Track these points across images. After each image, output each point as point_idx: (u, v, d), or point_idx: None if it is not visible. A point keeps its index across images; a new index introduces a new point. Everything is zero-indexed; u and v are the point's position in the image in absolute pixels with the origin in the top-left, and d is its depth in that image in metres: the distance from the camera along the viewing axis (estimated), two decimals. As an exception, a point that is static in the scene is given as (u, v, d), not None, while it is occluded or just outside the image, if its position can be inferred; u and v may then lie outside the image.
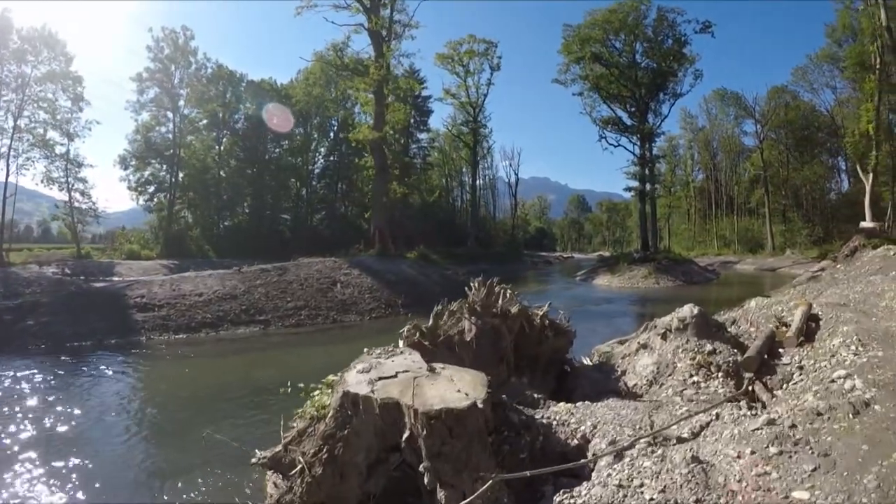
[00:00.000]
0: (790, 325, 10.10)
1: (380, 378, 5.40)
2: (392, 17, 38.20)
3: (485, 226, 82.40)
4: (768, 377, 7.94)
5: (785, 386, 7.58)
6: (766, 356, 8.49)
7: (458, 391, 5.10)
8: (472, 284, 9.61)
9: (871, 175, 32.85)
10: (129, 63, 65.18)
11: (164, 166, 55.36)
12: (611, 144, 53.72)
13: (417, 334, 8.08)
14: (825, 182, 74.99)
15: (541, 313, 9.65)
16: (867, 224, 23.06)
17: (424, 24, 39.37)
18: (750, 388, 7.49)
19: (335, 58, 36.86)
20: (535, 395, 7.62)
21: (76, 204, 45.96)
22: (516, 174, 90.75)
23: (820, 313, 10.78)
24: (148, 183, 55.61)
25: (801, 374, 7.67)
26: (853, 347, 7.45)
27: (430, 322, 8.55)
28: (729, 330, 12.89)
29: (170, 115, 54.75)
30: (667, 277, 41.27)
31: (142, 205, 57.03)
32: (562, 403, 7.11)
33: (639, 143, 52.67)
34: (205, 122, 59.91)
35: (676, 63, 52.44)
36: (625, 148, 54.03)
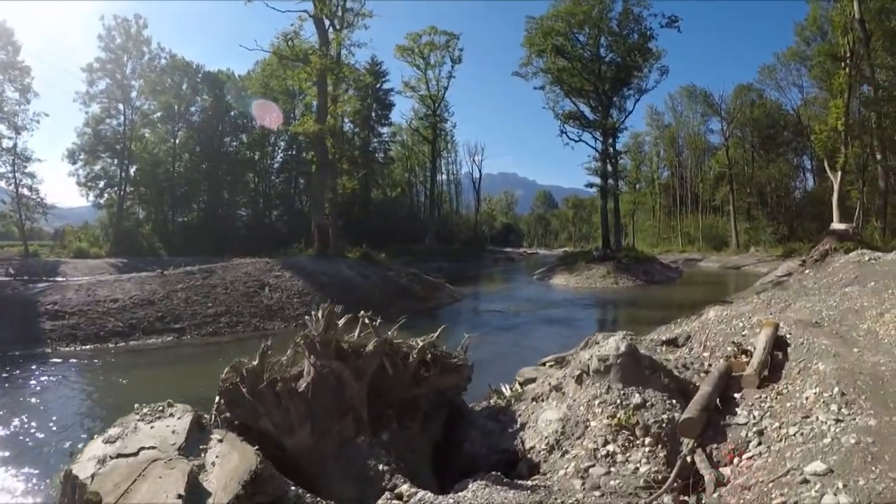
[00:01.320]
0: (752, 354, 8.23)
1: (119, 454, 4.41)
2: (344, 4, 35.52)
3: (447, 222, 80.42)
4: (715, 445, 5.80)
5: (738, 461, 5.45)
6: (717, 402, 6.50)
7: (179, 497, 3.79)
8: (312, 314, 7.10)
9: (839, 173, 30.79)
10: (92, 52, 61.91)
11: (115, 161, 52.35)
12: (571, 139, 51.92)
13: (238, 378, 6.25)
14: (790, 180, 74.10)
15: (419, 346, 7.62)
16: (838, 225, 20.67)
17: (380, 15, 37.04)
18: (689, 459, 5.40)
19: (286, 48, 34.10)
20: (382, 467, 5.78)
21: (24, 200, 42.88)
22: (480, 169, 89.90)
23: (788, 336, 9.14)
24: (98, 178, 52.51)
25: (759, 445, 5.55)
26: (833, 407, 5.39)
27: (256, 361, 6.44)
28: (680, 347, 11.50)
29: (121, 107, 51.67)
30: (626, 277, 39.19)
31: (91, 201, 53.49)
32: (405, 485, 5.41)
33: (601, 139, 50.74)
34: (159, 114, 57.02)
35: (641, 58, 50.51)
36: (586, 143, 52.25)
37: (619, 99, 52.60)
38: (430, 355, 7.55)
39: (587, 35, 49.49)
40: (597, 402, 6.61)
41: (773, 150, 72.42)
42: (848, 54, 30.11)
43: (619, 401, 6.46)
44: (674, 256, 66.79)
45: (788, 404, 5.96)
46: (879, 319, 9.53)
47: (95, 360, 16.91)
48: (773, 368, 7.53)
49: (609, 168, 51.04)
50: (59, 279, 24.97)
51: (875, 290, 12.04)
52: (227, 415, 6.14)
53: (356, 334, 7.48)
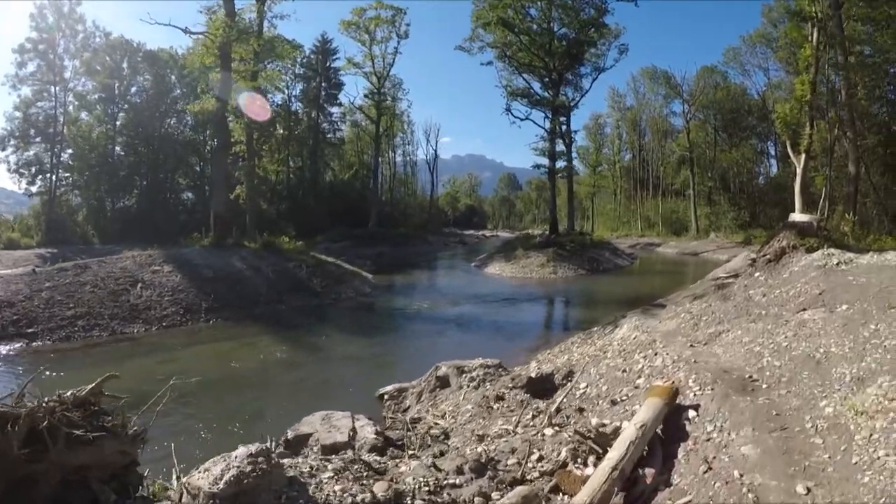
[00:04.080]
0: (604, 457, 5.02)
1: None
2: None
3: (400, 204, 76.71)
4: None
5: None
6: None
7: None
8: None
9: (802, 156, 26.52)
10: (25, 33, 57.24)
11: (47, 145, 49.13)
12: (517, 118, 47.99)
13: None
14: (754, 166, 71.40)
15: (26, 410, 4.25)
16: (799, 217, 15.84)
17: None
18: None
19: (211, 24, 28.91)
20: None
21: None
22: (435, 150, 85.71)
23: (693, 414, 6.00)
24: (29, 164, 49.18)
25: None
26: None
27: None
28: (548, 396, 8.96)
29: (53, 89, 48.42)
30: (568, 266, 35.26)
31: (23, 189, 50.04)
32: None
33: (550, 117, 46.77)
34: (97, 96, 53.16)
35: (597, 33, 46.97)
36: (533, 122, 49.35)
37: (574, 77, 49.45)
38: (47, 421, 4.34)
39: (538, 8, 45.34)
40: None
41: (737, 135, 70.15)
42: (817, 17, 25.73)
43: None
44: (633, 241, 64.72)
45: None
46: (855, 395, 5.70)
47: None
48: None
49: (563, 148, 47.76)
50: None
51: (848, 321, 7.46)
52: None
53: None
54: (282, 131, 58.50)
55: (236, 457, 4.53)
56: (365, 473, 5.69)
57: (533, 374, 10.22)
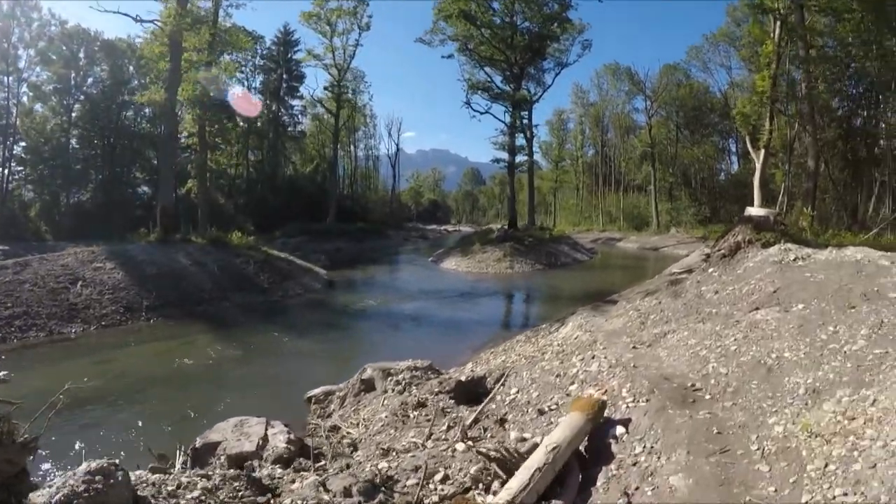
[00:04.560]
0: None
1: None
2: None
3: (359, 199, 75.33)
4: None
5: None
6: None
7: None
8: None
9: (762, 152, 26.13)
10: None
11: (0, 138, 47.07)
12: (477, 111, 47.50)
13: None
14: (715, 163, 71.69)
15: None
16: (756, 211, 15.09)
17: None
18: None
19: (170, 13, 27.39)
20: None
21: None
22: (397, 144, 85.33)
23: (622, 432, 5.28)
24: None
25: None
26: None
27: None
28: (478, 405, 7.54)
29: (6, 79, 46.55)
30: (525, 261, 34.57)
31: None
32: None
33: (510, 111, 46.21)
34: (52, 87, 50.94)
35: (560, 28, 46.56)
36: (494, 116, 49.18)
37: (537, 71, 49.58)
38: None
39: (501, 2, 44.91)
40: None
41: (699, 132, 70.26)
42: (779, 10, 25.35)
43: None
44: (594, 235, 65.22)
45: None
46: (810, 411, 5.00)
47: None
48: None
49: (524, 142, 47.44)
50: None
51: (805, 321, 6.64)
52: None
53: None
54: (242, 124, 56.70)
55: (74, 474, 4.06)
56: (241, 494, 4.99)
57: (463, 378, 9.36)
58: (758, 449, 4.39)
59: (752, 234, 12.94)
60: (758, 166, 26.80)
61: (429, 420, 7.49)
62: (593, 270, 36.04)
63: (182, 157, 42.54)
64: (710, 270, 12.80)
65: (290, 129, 66.62)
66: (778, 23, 24.46)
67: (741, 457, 4.34)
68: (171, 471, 6.23)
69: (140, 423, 9.41)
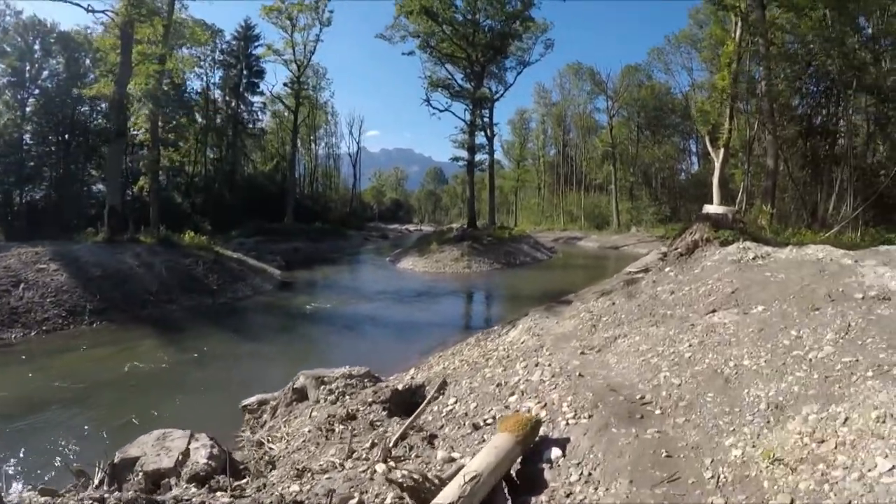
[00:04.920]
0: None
1: None
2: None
3: (319, 198, 74.28)
4: None
5: None
6: None
7: None
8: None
9: (721, 151, 26.04)
10: None
11: None
12: (436, 109, 46.67)
13: None
14: (675, 163, 72.29)
15: None
16: (714, 208, 14.58)
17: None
18: None
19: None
20: None
21: None
22: (358, 143, 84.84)
23: (560, 455, 4.71)
24: None
25: None
26: None
27: None
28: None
29: None
30: (483, 260, 34.04)
31: None
32: None
33: (470, 110, 45.63)
34: (5, 80, 48.87)
35: (522, 27, 46.15)
36: (453, 114, 47.51)
37: (498, 70, 49.17)
38: None
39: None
40: None
41: (660, 132, 70.90)
42: (740, 7, 25.24)
43: None
44: (555, 234, 64.69)
45: None
46: (772, 430, 4.38)
47: None
48: None
49: (484, 141, 47.15)
50: None
51: (765, 325, 6.02)
52: None
53: None
54: (200, 120, 55.98)
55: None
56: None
57: (400, 387, 8.65)
58: (712, 477, 3.74)
59: (710, 233, 12.45)
60: (717, 165, 26.67)
61: (355, 435, 6.76)
62: (552, 270, 35.60)
63: (138, 154, 41.05)
64: (667, 270, 12.27)
65: (249, 126, 65.06)
66: (739, 21, 24.29)
67: (692, 486, 3.68)
68: (86, 488, 5.83)
69: (71, 435, 8.86)
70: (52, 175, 51.62)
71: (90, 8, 25.39)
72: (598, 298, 12.66)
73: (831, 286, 7.32)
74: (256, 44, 61.64)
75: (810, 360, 5.07)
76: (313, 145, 78.72)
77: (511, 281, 29.43)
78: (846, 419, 3.91)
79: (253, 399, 10.02)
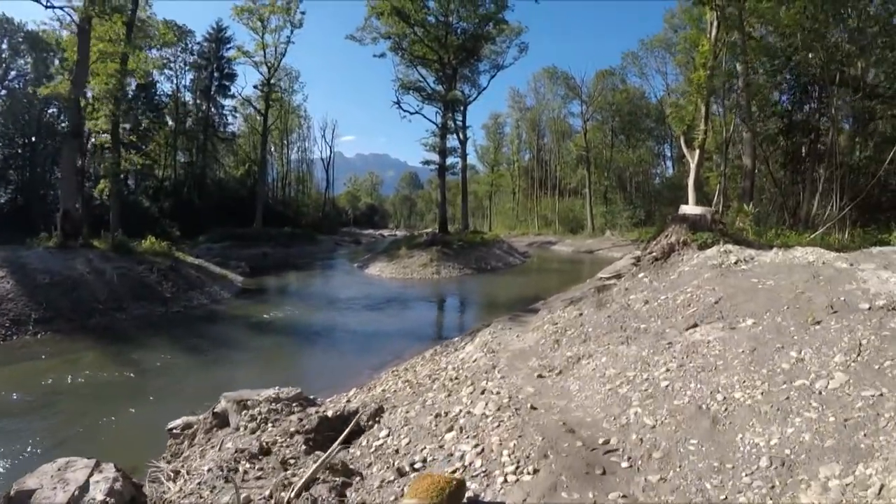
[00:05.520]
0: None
1: None
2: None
3: (291, 203, 72.67)
4: None
5: None
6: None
7: None
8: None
9: (696, 152, 25.11)
10: None
11: None
12: (407, 112, 45.59)
13: None
14: (650, 167, 72.18)
15: None
16: (691, 209, 13.28)
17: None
18: None
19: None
20: None
21: None
22: (331, 147, 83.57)
23: None
24: None
25: None
26: None
27: None
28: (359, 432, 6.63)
29: None
30: (453, 265, 32.88)
31: None
32: None
33: (441, 112, 44.46)
34: None
35: (496, 29, 45.30)
36: (425, 117, 47.93)
37: (472, 73, 48.54)
38: None
39: (437, 1, 43.06)
40: None
41: (634, 136, 70.51)
42: (716, 2, 24.46)
43: None
44: (529, 239, 64.23)
45: None
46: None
47: None
48: None
49: (457, 144, 46.04)
50: None
51: (758, 343, 4.83)
52: None
53: None
54: (170, 123, 54.72)
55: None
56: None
57: (330, 413, 7.37)
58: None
59: (688, 235, 11.36)
60: (693, 167, 25.80)
61: (261, 478, 5.52)
62: (524, 275, 34.55)
63: (101, 157, 39.56)
64: (641, 276, 11.16)
65: (221, 130, 63.78)
66: (715, 17, 23.43)
67: None
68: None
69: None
70: (19, 178, 50.47)
71: (48, 3, 24.11)
72: (565, 307, 11.55)
73: (830, 294, 6.23)
74: (228, 46, 60.32)
75: (819, 392, 3.93)
76: (286, 149, 77.65)
77: (481, 287, 28.37)
78: (881, 488, 2.78)
79: (179, 422, 8.76)
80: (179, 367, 13.35)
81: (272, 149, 74.77)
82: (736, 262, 9.38)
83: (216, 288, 24.33)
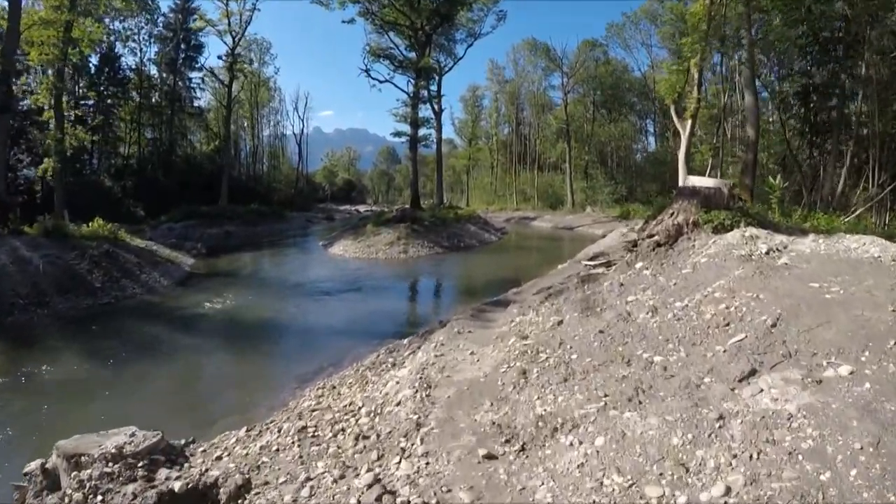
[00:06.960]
0: None
1: None
2: None
3: (262, 179, 69.97)
4: None
5: None
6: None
7: None
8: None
9: (688, 122, 22.61)
10: None
11: None
12: (376, 80, 42.58)
13: None
14: (632, 142, 69.73)
15: None
16: (702, 181, 9.89)
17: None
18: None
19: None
20: None
21: None
22: (303, 122, 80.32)
23: None
24: None
25: None
26: None
27: None
28: None
29: None
30: (423, 243, 30.21)
31: None
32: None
33: (413, 81, 41.70)
34: None
35: None
36: (395, 86, 43.53)
37: (447, 42, 46.77)
38: None
39: None
40: None
41: (617, 110, 68.48)
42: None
43: None
44: (508, 214, 62.13)
45: None
46: None
47: None
48: None
49: (430, 115, 43.39)
50: None
51: (876, 421, 1.79)
52: None
53: None
54: (136, 97, 51.88)
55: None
56: None
57: (178, 487, 4.75)
58: None
59: (699, 214, 8.71)
60: (684, 139, 23.44)
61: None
62: (501, 253, 31.84)
63: (48, 134, 36.38)
64: (639, 267, 8.53)
65: (188, 104, 60.56)
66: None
67: None
68: None
69: None
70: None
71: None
72: (541, 304, 8.96)
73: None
74: (194, 17, 56.59)
75: None
76: (256, 123, 74.45)
77: (451, 268, 26.00)
78: None
79: (34, 465, 6.30)
80: (77, 381, 10.91)
81: (245, 124, 72.19)
82: (768, 252, 6.78)
83: (155, 275, 22.03)
